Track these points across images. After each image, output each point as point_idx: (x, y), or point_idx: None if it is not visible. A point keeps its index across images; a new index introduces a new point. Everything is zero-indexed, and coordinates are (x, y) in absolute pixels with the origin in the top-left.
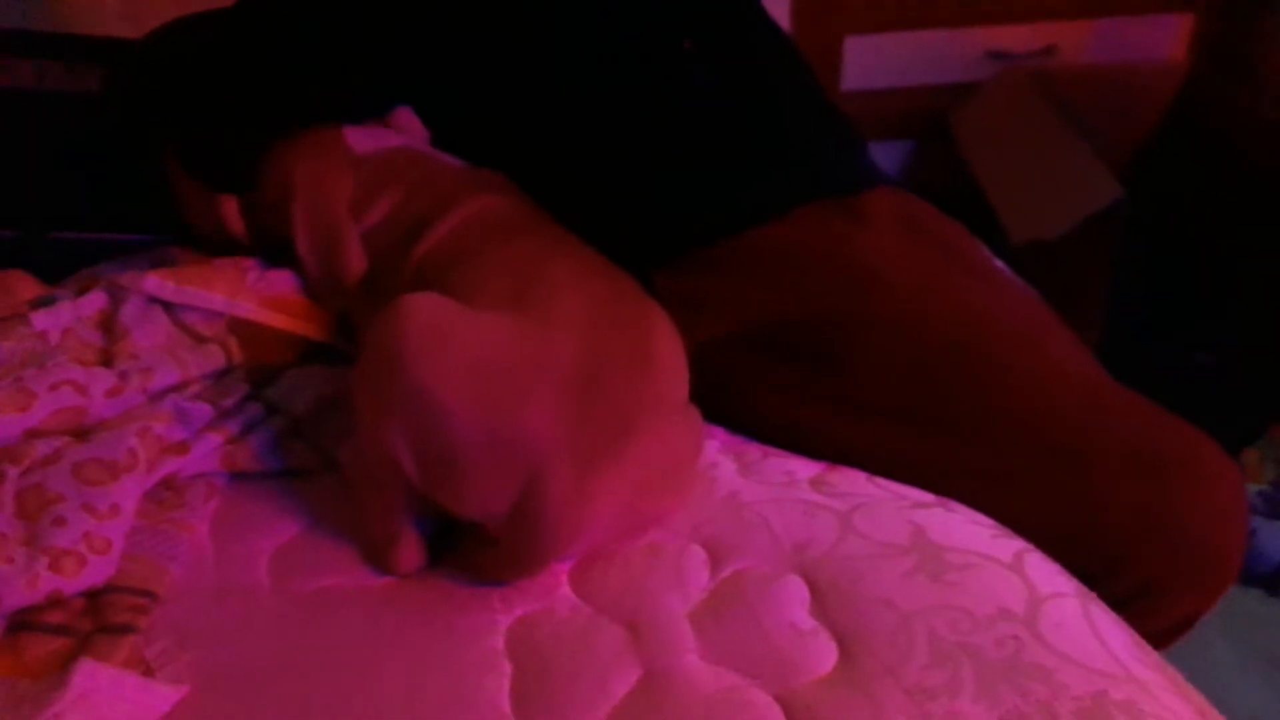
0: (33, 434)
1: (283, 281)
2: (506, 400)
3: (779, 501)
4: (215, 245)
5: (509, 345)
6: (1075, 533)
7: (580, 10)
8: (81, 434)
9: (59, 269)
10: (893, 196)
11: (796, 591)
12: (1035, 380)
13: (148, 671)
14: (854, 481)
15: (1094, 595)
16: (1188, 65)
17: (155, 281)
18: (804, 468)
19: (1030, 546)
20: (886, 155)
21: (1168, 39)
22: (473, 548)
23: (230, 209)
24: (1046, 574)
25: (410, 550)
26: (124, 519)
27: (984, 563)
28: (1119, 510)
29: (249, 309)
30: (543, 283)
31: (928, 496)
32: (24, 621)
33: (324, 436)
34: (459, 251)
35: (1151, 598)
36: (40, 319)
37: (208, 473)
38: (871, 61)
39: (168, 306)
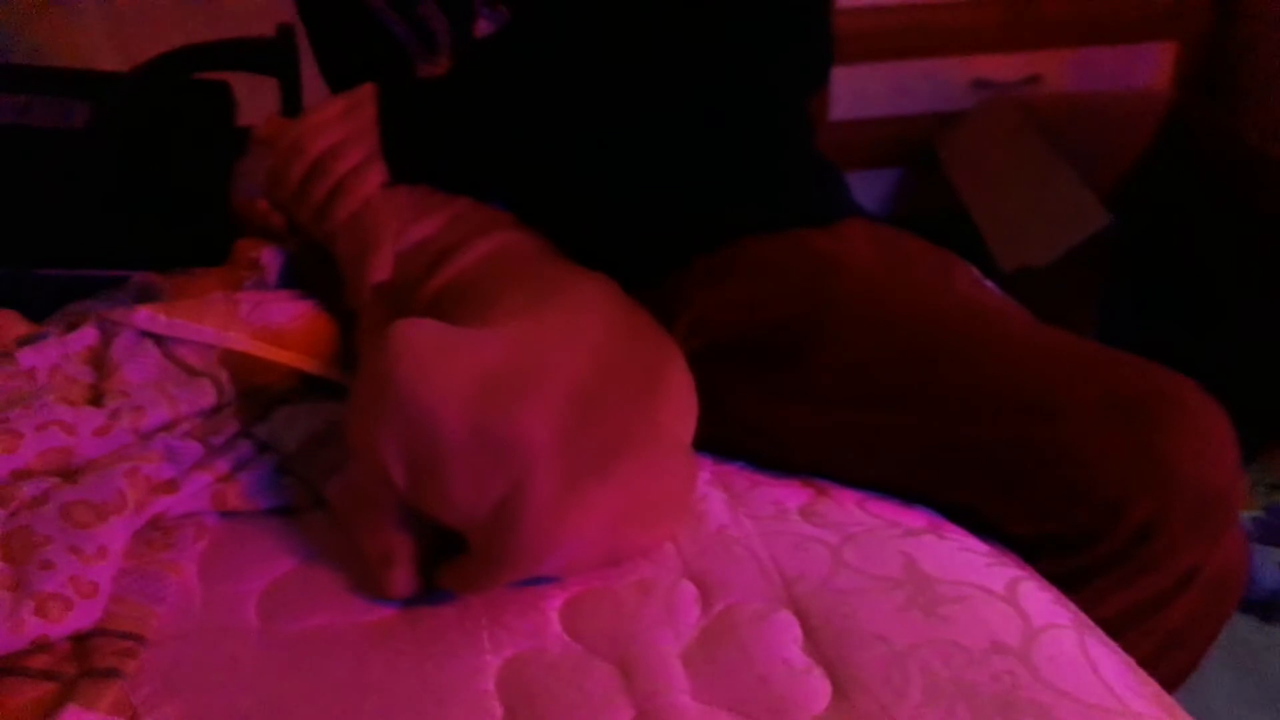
0: (19, 475)
1: (276, 313)
2: (499, 404)
3: (769, 535)
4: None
5: (508, 355)
6: (1064, 491)
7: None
8: (69, 474)
9: (47, 306)
10: (870, 224)
11: (788, 628)
12: (1005, 349)
13: (134, 717)
14: (844, 509)
15: (1090, 624)
16: (1172, 93)
17: (146, 315)
18: (793, 496)
19: (1026, 574)
20: (875, 184)
21: (1151, 67)
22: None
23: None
24: (1041, 604)
25: (405, 572)
26: (111, 561)
27: (977, 594)
28: (1101, 456)
29: (240, 341)
30: (562, 300)
31: (919, 521)
32: (8, 667)
33: (313, 473)
34: (479, 277)
35: (1151, 544)
36: (27, 356)
37: (197, 512)
38: (858, 91)
39: (159, 340)
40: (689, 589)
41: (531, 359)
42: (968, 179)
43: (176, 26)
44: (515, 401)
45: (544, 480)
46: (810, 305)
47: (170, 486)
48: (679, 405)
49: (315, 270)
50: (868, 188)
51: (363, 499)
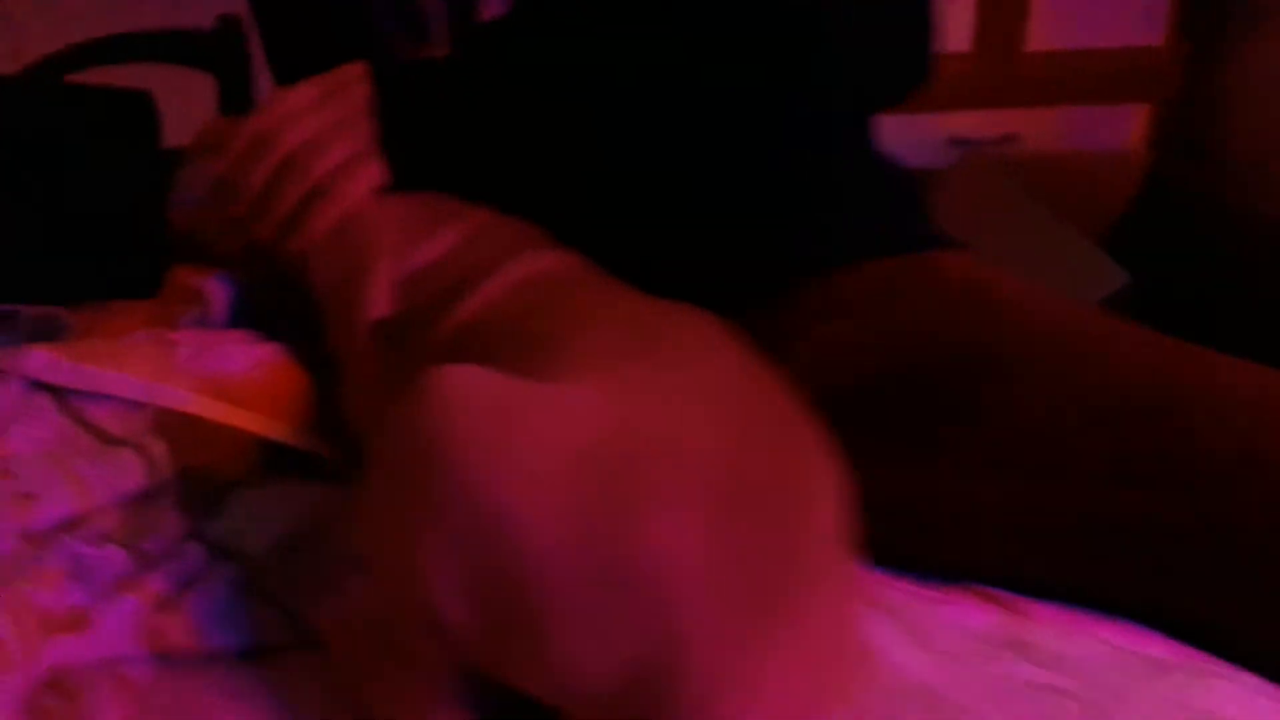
0: None
1: (227, 360)
2: (615, 503)
3: (978, 681)
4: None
5: (613, 424)
6: None
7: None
8: None
9: None
10: (967, 256)
11: None
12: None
13: None
14: (1055, 629)
15: None
16: (1147, 154)
17: (43, 358)
18: (973, 615)
19: None
20: None
21: (1127, 127)
22: None
23: None
24: None
25: None
26: None
27: None
28: None
29: (181, 396)
30: (668, 342)
31: (1156, 648)
32: None
33: (294, 591)
34: (523, 312)
35: None
36: None
37: (118, 658)
38: None
39: (60, 395)
40: None
41: (645, 431)
42: (965, 240)
43: (105, 17)
44: (639, 500)
45: (703, 628)
46: (964, 346)
47: (76, 620)
48: (836, 482)
49: (279, 304)
50: None
51: (386, 646)
